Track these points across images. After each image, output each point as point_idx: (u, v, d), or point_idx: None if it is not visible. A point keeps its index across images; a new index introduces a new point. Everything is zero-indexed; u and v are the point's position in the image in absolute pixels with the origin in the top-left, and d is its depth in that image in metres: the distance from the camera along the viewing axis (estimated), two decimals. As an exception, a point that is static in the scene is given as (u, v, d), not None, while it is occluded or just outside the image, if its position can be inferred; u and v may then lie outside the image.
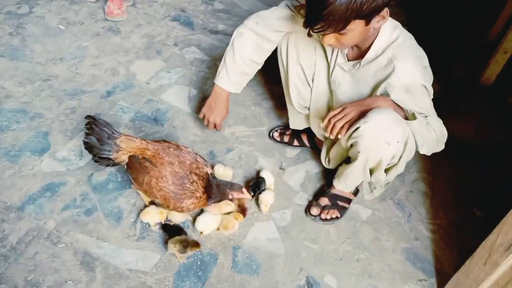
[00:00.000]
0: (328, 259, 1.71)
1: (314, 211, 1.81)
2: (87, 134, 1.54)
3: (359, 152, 1.51)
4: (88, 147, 1.55)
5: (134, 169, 1.56)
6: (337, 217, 1.83)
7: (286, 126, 2.11)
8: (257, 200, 1.81)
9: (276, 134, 2.12)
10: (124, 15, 2.68)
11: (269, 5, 2.47)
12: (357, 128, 1.45)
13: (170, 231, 1.62)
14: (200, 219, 1.67)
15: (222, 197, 1.59)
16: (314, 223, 1.81)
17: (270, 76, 1.87)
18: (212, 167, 1.71)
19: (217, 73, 1.83)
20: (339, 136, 1.54)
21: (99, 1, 2.78)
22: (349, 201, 1.87)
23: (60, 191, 1.74)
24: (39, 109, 2.05)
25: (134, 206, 1.74)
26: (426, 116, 1.52)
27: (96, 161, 1.58)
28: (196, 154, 1.62)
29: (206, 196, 1.56)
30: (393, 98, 1.48)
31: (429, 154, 1.60)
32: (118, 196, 1.76)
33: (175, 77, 2.35)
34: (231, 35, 1.78)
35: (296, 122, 2.03)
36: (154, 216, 1.66)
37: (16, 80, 2.18)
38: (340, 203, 1.85)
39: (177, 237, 1.59)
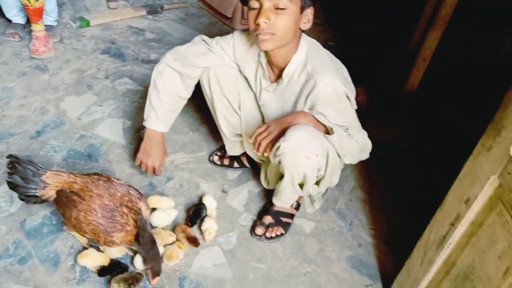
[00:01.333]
0: (276, 276, 1.72)
1: (259, 230, 1.83)
2: (10, 173, 1.49)
3: (284, 169, 1.56)
4: (13, 187, 1.50)
5: (62, 204, 1.51)
6: (282, 234, 1.85)
7: (225, 150, 2.12)
8: (200, 227, 1.80)
9: (216, 158, 2.13)
10: (51, 52, 2.62)
11: (199, 31, 2.52)
12: (278, 147, 1.50)
13: (110, 271, 1.57)
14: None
15: (146, 255, 1.53)
16: (260, 242, 1.82)
17: (205, 101, 1.89)
18: (145, 200, 1.63)
19: (145, 116, 1.81)
20: (265, 154, 1.58)
21: (23, 39, 2.70)
22: (291, 216, 1.90)
23: (-10, 242, 1.64)
24: (-38, 157, 1.94)
25: (72, 248, 1.67)
26: (347, 129, 1.59)
27: (22, 199, 1.54)
28: (129, 186, 1.59)
29: (136, 232, 1.52)
30: (317, 111, 1.54)
31: (354, 163, 1.68)
32: (54, 240, 1.69)
33: (108, 110, 2.31)
34: (162, 63, 1.78)
35: (232, 149, 2.06)
36: (93, 259, 1.60)
37: None
38: (284, 219, 1.87)
39: (120, 276, 1.54)
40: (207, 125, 2.33)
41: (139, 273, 1.58)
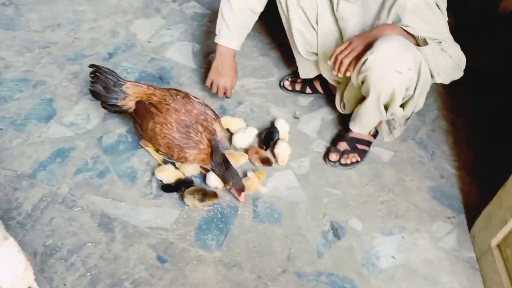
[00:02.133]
0: (352, 203, 1.65)
1: (333, 156, 1.75)
2: (92, 82, 1.52)
3: (370, 87, 1.43)
4: (95, 95, 1.55)
5: (140, 115, 1.51)
6: (357, 161, 1.76)
7: (296, 75, 2.01)
8: (273, 150, 1.74)
9: (287, 83, 2.04)
10: (118, -24, 2.56)
11: None
12: (364, 61, 1.37)
13: (175, 188, 1.59)
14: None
15: (223, 175, 1.51)
16: (334, 169, 1.75)
17: (275, 25, 1.77)
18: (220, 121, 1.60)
19: (217, 32, 1.72)
20: (348, 74, 1.46)
21: (91, -37, 2.66)
22: (368, 143, 1.80)
23: (70, 156, 1.69)
24: (40, 76, 1.98)
25: (147, 165, 1.68)
26: (440, 42, 1.42)
27: (104, 107, 1.58)
28: (206, 106, 1.54)
29: (210, 151, 1.49)
30: (404, 23, 1.39)
31: (446, 83, 1.51)
32: (130, 157, 1.71)
33: (177, 34, 2.26)
34: (230, -13, 1.67)
35: (306, 71, 1.94)
36: (169, 174, 1.60)
37: (14, 49, 2.10)
38: (360, 147, 1.77)
39: (193, 187, 1.54)
40: (278, 50, 2.22)
41: (213, 191, 1.57)
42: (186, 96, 1.52)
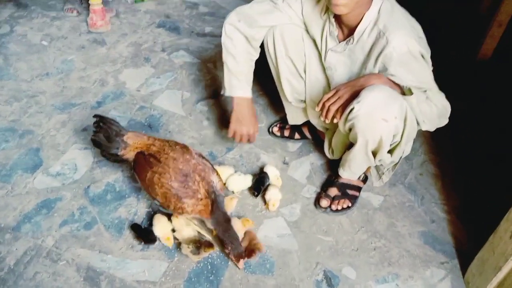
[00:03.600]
0: (344, 250, 1.63)
1: (324, 202, 1.74)
2: (95, 132, 1.55)
3: (358, 134, 1.45)
4: (97, 144, 1.56)
5: (139, 165, 1.51)
6: (348, 207, 1.75)
7: (285, 121, 2.03)
8: (263, 196, 1.73)
9: (275, 129, 2.05)
10: (108, 26, 2.63)
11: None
12: (351, 110, 1.39)
13: (140, 231, 1.57)
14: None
15: (222, 236, 1.46)
16: (325, 215, 1.74)
17: (262, 72, 1.81)
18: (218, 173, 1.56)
19: (227, 87, 1.73)
20: (335, 120, 1.48)
21: (81, 14, 2.72)
22: (358, 189, 1.80)
23: (56, 207, 1.65)
24: (28, 126, 1.97)
25: (135, 215, 1.65)
26: (425, 91, 1.46)
27: (104, 156, 1.58)
28: (203, 158, 1.55)
29: (209, 203, 1.46)
30: (390, 73, 1.42)
31: (432, 130, 1.54)
32: (118, 207, 1.68)
33: (166, 82, 2.29)
34: (219, 36, 1.72)
35: (295, 117, 1.96)
36: (162, 226, 1.57)
37: (2, 99, 2.10)
38: (350, 192, 1.77)
39: (190, 237, 1.51)
40: (266, 96, 2.25)
41: (209, 241, 1.54)
42: (185, 147, 1.54)
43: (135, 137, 1.55)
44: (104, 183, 1.76)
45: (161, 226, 1.55)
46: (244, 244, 1.51)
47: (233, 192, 1.75)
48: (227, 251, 1.47)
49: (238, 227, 1.57)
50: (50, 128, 1.97)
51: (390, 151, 1.56)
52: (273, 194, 1.71)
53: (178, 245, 1.53)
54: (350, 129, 1.49)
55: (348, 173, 1.73)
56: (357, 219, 1.74)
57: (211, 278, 1.49)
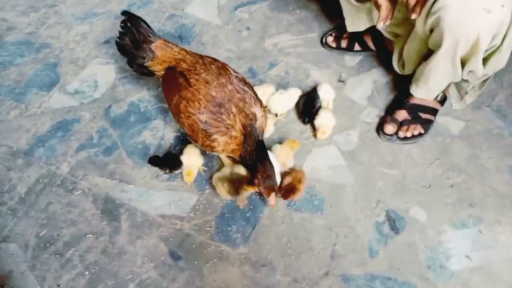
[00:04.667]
0: (413, 186, 1.31)
1: (389, 128, 1.40)
2: (121, 33, 1.28)
3: (444, 34, 1.07)
4: (121, 49, 1.30)
5: (167, 84, 1.24)
6: (420, 134, 1.41)
7: (342, 28, 1.63)
8: (313, 122, 1.42)
9: (330, 39, 1.68)
10: None
11: None
12: None
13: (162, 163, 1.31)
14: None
15: (253, 166, 1.15)
16: (390, 144, 1.41)
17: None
18: (262, 105, 1.22)
19: None
20: (413, 16, 1.10)
21: None
22: (434, 112, 1.43)
23: (73, 130, 1.44)
24: (45, 38, 1.73)
25: (162, 140, 1.41)
26: None
27: (130, 67, 1.31)
28: (246, 83, 1.21)
29: (242, 141, 1.16)
30: None
31: None
32: (142, 130, 1.44)
33: (200, -14, 1.93)
34: None
35: (355, 23, 1.56)
36: (192, 159, 1.31)
37: (19, 9, 1.86)
38: (423, 116, 1.42)
39: (226, 172, 1.25)
40: (318, 0, 1.85)
41: (251, 180, 1.20)
42: (223, 67, 1.21)
43: (165, 47, 1.25)
44: (127, 102, 1.51)
45: (189, 158, 1.29)
46: (286, 181, 1.23)
47: (276, 115, 1.45)
48: (256, 181, 1.15)
49: (283, 152, 1.30)
50: (69, 41, 1.72)
51: (484, 60, 1.17)
52: (324, 120, 1.39)
53: (210, 179, 1.28)
54: (431, 30, 1.11)
55: (423, 91, 1.36)
56: (430, 149, 1.40)
57: (247, 214, 1.25)
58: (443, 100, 1.44)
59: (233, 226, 1.23)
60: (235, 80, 1.18)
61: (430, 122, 1.43)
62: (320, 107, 1.44)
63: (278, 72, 1.62)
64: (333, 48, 1.67)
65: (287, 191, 1.20)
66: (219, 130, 1.14)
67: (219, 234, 1.21)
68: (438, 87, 1.34)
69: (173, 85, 1.21)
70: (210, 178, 1.29)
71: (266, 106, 1.41)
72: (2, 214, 1.24)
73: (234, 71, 1.22)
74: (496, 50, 1.14)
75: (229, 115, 1.14)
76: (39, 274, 1.14)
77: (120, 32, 1.29)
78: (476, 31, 1.03)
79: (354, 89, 1.56)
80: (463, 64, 1.16)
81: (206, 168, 1.33)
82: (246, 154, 1.16)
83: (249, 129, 1.14)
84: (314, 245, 1.20)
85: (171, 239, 1.20)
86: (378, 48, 1.62)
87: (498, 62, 1.21)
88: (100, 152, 1.38)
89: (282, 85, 1.55)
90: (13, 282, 1.11)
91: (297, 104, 1.47)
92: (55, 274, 1.14)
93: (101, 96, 1.53)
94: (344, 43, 1.65)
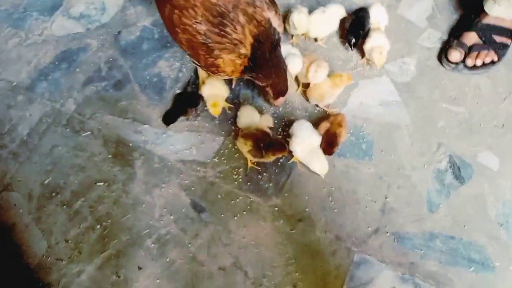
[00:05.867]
0: (483, 126, 1.09)
1: (455, 55, 1.15)
2: None
3: None
4: None
5: None
6: (492, 62, 1.15)
7: None
8: (361, 46, 1.16)
9: None
10: None
11: None
12: None
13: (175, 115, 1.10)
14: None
15: (264, 67, 0.94)
16: (455, 74, 1.16)
17: None
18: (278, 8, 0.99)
19: None
20: None
21: None
22: (511, 33, 1.15)
23: (79, 60, 1.25)
24: (45, -48, 1.49)
25: (180, 72, 1.21)
26: None
27: None
28: None
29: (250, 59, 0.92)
30: None
31: None
32: (157, 60, 1.23)
33: None
34: None
35: None
36: (215, 91, 1.11)
37: None
38: (498, 39, 1.15)
39: (251, 130, 1.03)
40: None
41: (281, 141, 1.04)
42: None
43: None
44: (140, 27, 1.29)
45: (211, 87, 1.09)
46: (323, 128, 1.02)
47: (315, 40, 1.21)
48: (263, 84, 0.96)
49: (326, 85, 1.07)
50: (71, -44, 1.47)
51: None
52: (377, 44, 1.13)
53: (235, 130, 1.09)
54: None
55: (504, 8, 1.08)
56: (504, 81, 1.16)
57: (281, 160, 1.06)
58: (525, 19, 1.16)
59: (265, 174, 1.05)
60: None
61: (506, 47, 1.16)
62: (369, 29, 1.18)
63: (318, -14, 1.34)
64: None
65: (328, 145, 1.01)
66: (224, 47, 0.91)
67: (248, 183, 1.04)
68: (523, 2, 1.05)
69: None
70: (235, 119, 1.09)
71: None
72: (2, 159, 1.10)
73: None
74: None
75: (235, 28, 0.89)
76: (45, 227, 1.01)
77: None
78: None
79: (410, 7, 1.29)
80: None
81: (232, 106, 1.12)
82: (256, 52, 0.92)
83: (263, 35, 0.91)
84: (361, 198, 1.01)
85: (193, 188, 1.04)
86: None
87: None
88: (110, 87, 1.19)
89: (320, 2, 1.29)
90: (16, 237, 0.99)
91: (341, 26, 1.21)
92: (63, 228, 1.01)
93: (109, 20, 1.31)
94: (398, -51, 1.34)
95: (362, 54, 1.17)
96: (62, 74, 1.22)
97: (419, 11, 1.27)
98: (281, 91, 0.97)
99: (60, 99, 1.18)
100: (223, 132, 1.11)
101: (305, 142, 1.00)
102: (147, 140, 1.11)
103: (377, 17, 1.19)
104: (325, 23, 1.16)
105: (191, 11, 0.89)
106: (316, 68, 1.06)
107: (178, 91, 1.15)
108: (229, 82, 1.14)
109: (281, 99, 0.98)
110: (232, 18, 0.88)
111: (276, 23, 0.94)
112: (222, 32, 0.88)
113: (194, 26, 0.89)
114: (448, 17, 1.26)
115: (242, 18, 0.89)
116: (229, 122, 1.11)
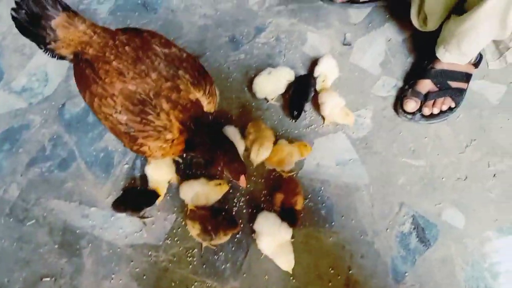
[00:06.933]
0: (445, 180, 1.04)
1: (411, 105, 1.10)
2: (16, 3, 0.90)
3: None
4: (20, 28, 0.92)
5: (76, 77, 0.93)
6: (450, 109, 1.11)
7: (343, -26, 1.29)
8: (315, 101, 1.12)
9: (331, -9, 1.34)
10: None
11: None
12: None
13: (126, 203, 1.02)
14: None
15: (210, 152, 0.90)
16: (412, 124, 1.12)
17: None
18: (208, 86, 0.92)
19: None
20: None
21: None
22: (467, 78, 1.12)
23: (22, 139, 1.18)
24: (-16, 22, 1.43)
25: (128, 144, 1.14)
26: None
27: (39, 47, 0.94)
28: (181, 60, 0.89)
29: (183, 140, 0.88)
30: None
31: None
32: (103, 133, 1.17)
33: None
34: None
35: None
36: (162, 172, 1.05)
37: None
38: (453, 84, 1.11)
39: (200, 211, 0.98)
40: None
41: (232, 217, 0.99)
42: (144, 45, 0.88)
43: (67, 25, 0.90)
44: (85, 98, 1.23)
45: (155, 169, 1.03)
46: (278, 199, 0.97)
47: (266, 100, 1.16)
48: (219, 167, 0.91)
49: (287, 150, 1.03)
50: (12, 24, 1.41)
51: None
52: (331, 104, 1.09)
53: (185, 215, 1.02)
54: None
55: (455, 56, 1.04)
56: (464, 128, 1.11)
57: (237, 236, 1.00)
58: (478, 62, 1.13)
59: (221, 253, 0.99)
60: (162, 63, 0.86)
61: (462, 91, 1.12)
62: (314, 94, 1.14)
63: (267, 39, 1.30)
64: (333, 1, 1.32)
65: (289, 219, 0.95)
66: (147, 134, 0.85)
67: (204, 266, 0.98)
68: (475, 50, 1.02)
69: (81, 78, 0.91)
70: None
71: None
72: None
73: (164, 44, 0.90)
74: None
75: (158, 115, 0.84)
76: (-13, 335, 0.94)
77: (15, 1, 0.91)
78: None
79: (363, 54, 1.24)
80: (513, 21, 0.84)
81: (180, 178, 1.06)
82: (200, 141, 0.88)
83: (193, 122, 0.86)
84: (323, 272, 0.95)
85: (145, 277, 0.97)
86: (390, -4, 1.28)
87: None
88: (55, 167, 1.13)
89: (272, 56, 1.25)
90: None
91: (284, 96, 1.17)
92: (7, 334, 0.93)
93: (53, 92, 1.25)
94: (347, -6, 1.31)
95: (317, 109, 1.12)
96: (5, 156, 1.16)
97: (372, 58, 1.23)
98: (239, 170, 0.90)
99: (2, 185, 1.11)
100: (175, 209, 1.05)
101: (271, 238, 0.93)
102: (94, 225, 1.04)
103: (328, 70, 1.15)
104: (270, 84, 1.12)
105: (110, 101, 0.84)
106: (258, 147, 1.01)
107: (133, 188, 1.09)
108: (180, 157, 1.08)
109: (243, 178, 0.91)
110: (155, 105, 0.83)
111: (205, 102, 0.89)
112: (145, 120, 0.83)
113: (115, 115, 0.84)
114: (402, 61, 1.22)
115: (165, 105, 0.83)
116: (180, 198, 1.05)
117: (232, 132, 1.04)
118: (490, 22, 0.85)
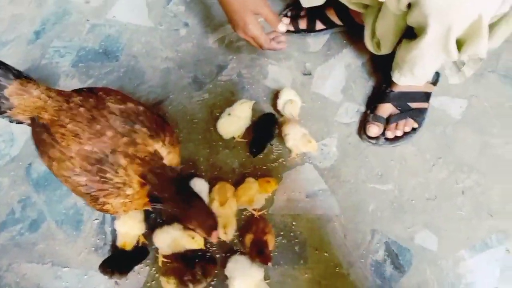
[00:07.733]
0: (414, 202, 1.04)
1: (373, 130, 1.11)
2: None
3: (429, 18, 0.76)
4: None
5: (34, 141, 0.93)
6: (413, 129, 1.11)
7: (297, 6, 1.30)
8: (279, 133, 1.13)
9: (286, 22, 1.35)
10: None
11: None
12: None
13: (116, 263, 1.01)
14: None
15: (181, 210, 0.89)
16: (377, 148, 1.12)
17: None
18: (167, 137, 0.91)
19: None
20: None
21: None
22: (427, 97, 1.14)
23: (-10, 203, 1.17)
24: None
25: (97, 198, 1.13)
26: None
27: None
28: (138, 113, 0.90)
29: (147, 193, 0.88)
30: None
31: None
32: (72, 189, 1.16)
33: (122, -19, 1.59)
34: None
35: (312, -5, 1.23)
36: (131, 227, 1.04)
37: None
38: (414, 105, 1.12)
39: (173, 265, 0.97)
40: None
41: (210, 263, 0.98)
42: (98, 104, 0.89)
43: (21, 92, 0.91)
44: (52, 154, 1.22)
45: (123, 224, 1.02)
46: (247, 240, 0.96)
47: (233, 137, 1.17)
48: (191, 226, 0.90)
49: (253, 190, 1.02)
50: (-24, 84, 1.41)
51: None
52: (292, 131, 1.09)
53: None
54: (409, 4, 0.80)
55: (409, 79, 1.05)
56: (429, 146, 1.11)
57: (214, 281, 0.99)
58: (436, 80, 1.14)
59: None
60: (117, 120, 0.87)
61: (423, 111, 1.13)
62: (275, 135, 1.14)
63: (229, 76, 1.31)
64: (290, 32, 1.34)
65: (261, 257, 0.94)
66: (108, 192, 0.86)
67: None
68: (429, 74, 1.03)
69: (39, 142, 0.92)
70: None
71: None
72: None
73: (119, 101, 0.90)
74: (502, 18, 0.82)
75: (116, 171, 0.84)
76: None
77: None
78: (477, 10, 0.71)
79: (323, 82, 1.25)
80: (460, 45, 0.85)
81: (146, 242, 1.05)
82: (167, 201, 0.87)
83: (155, 175, 0.86)
84: (299, 310, 0.94)
85: (122, 337, 0.96)
86: (345, 22, 1.29)
87: (506, 32, 0.89)
88: (25, 229, 1.12)
89: (235, 93, 1.25)
90: None
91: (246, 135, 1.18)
92: None
93: (19, 152, 1.25)
94: (302, 24, 1.33)
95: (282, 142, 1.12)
96: (-27, 223, 1.15)
97: (333, 85, 1.24)
98: (210, 226, 0.89)
99: (-28, 253, 1.10)
100: (148, 260, 1.03)
101: (243, 280, 0.92)
102: (68, 286, 1.03)
103: (290, 105, 1.16)
104: (233, 124, 1.13)
105: (68, 163, 0.84)
106: (224, 229, 1.00)
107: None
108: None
109: (214, 234, 0.90)
110: (112, 162, 0.83)
111: (165, 153, 0.89)
112: (103, 179, 0.83)
113: (74, 178, 0.84)
114: (363, 85, 1.23)
115: (123, 161, 0.83)
116: (153, 246, 1.05)
117: (200, 185, 1.04)
118: (434, 49, 0.86)
